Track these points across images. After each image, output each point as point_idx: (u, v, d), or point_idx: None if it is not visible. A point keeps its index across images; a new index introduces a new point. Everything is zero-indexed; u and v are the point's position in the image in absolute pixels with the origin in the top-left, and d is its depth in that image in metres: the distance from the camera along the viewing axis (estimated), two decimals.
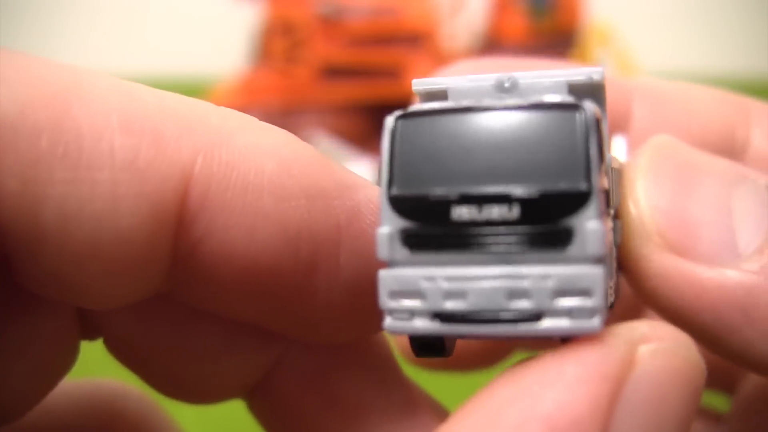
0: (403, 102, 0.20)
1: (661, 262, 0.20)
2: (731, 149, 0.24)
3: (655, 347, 0.17)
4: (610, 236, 0.19)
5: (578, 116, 0.18)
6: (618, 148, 0.25)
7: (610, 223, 0.19)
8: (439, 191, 0.18)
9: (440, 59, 0.78)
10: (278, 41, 0.89)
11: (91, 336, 0.20)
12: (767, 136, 0.24)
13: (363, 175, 0.20)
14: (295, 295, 0.19)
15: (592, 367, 0.16)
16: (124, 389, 0.24)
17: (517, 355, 0.29)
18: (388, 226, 0.18)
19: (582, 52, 0.93)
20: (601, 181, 0.18)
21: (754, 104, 0.25)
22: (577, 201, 0.17)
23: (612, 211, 0.20)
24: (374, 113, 0.86)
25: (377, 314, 0.18)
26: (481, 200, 0.18)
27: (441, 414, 0.22)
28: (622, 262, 0.21)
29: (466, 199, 0.18)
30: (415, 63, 0.83)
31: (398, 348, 0.25)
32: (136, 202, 0.17)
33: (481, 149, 0.18)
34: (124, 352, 0.21)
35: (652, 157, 0.21)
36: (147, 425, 0.24)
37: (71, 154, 0.16)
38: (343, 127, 0.85)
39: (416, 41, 0.86)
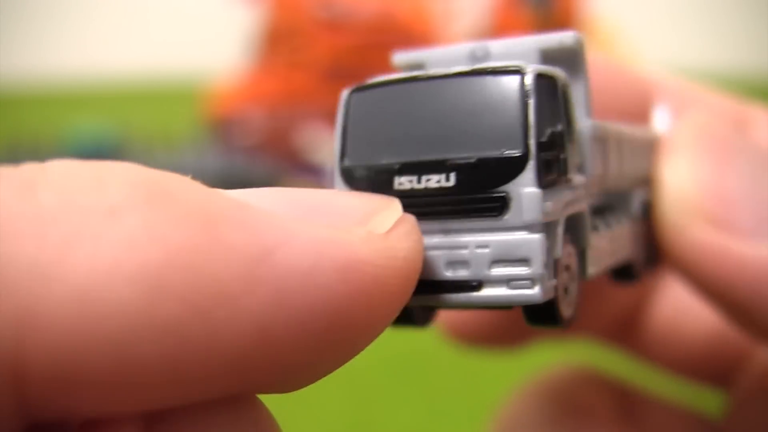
0: None
1: (700, 234, 0.20)
2: None
3: None
4: (561, 205, 0.18)
5: (518, 80, 0.17)
6: (660, 119, 0.25)
7: (569, 194, 0.18)
8: (383, 161, 0.18)
9: None
10: (280, 43, 0.91)
11: None
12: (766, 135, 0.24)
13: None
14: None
15: None
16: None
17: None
18: None
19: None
20: (566, 149, 0.17)
21: (750, 108, 0.25)
22: (512, 167, 0.17)
23: (577, 180, 0.19)
24: None
25: None
26: (420, 169, 0.17)
27: None
28: (656, 235, 0.21)
29: (406, 169, 0.17)
30: None
31: None
32: None
33: (424, 118, 0.18)
34: None
35: (693, 133, 0.21)
36: None
37: None
38: None
39: (415, 43, 0.87)
